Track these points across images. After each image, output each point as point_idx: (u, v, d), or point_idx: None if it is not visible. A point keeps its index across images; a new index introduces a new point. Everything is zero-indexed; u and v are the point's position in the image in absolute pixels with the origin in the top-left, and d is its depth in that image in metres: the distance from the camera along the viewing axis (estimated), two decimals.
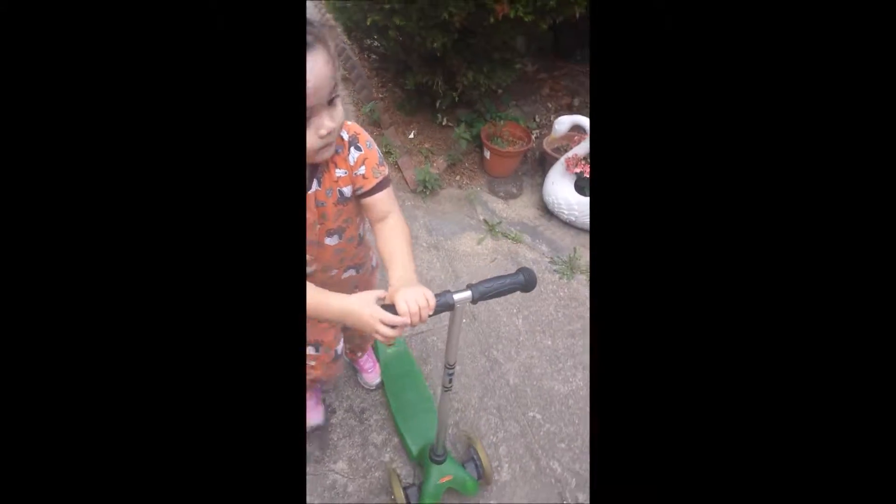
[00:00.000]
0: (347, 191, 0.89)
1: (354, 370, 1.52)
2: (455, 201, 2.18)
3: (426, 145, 2.34)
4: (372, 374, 1.49)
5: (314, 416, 1.37)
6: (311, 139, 0.75)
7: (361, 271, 1.09)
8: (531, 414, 1.48)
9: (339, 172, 0.87)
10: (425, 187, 2.13)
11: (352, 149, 0.87)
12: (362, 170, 0.88)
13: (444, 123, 2.42)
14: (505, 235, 2.03)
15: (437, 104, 2.32)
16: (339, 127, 0.77)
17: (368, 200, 0.90)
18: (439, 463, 1.17)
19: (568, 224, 2.08)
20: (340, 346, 1.20)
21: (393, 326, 0.77)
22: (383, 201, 0.90)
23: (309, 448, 1.34)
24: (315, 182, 0.86)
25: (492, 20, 1.74)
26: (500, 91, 2.39)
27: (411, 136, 2.39)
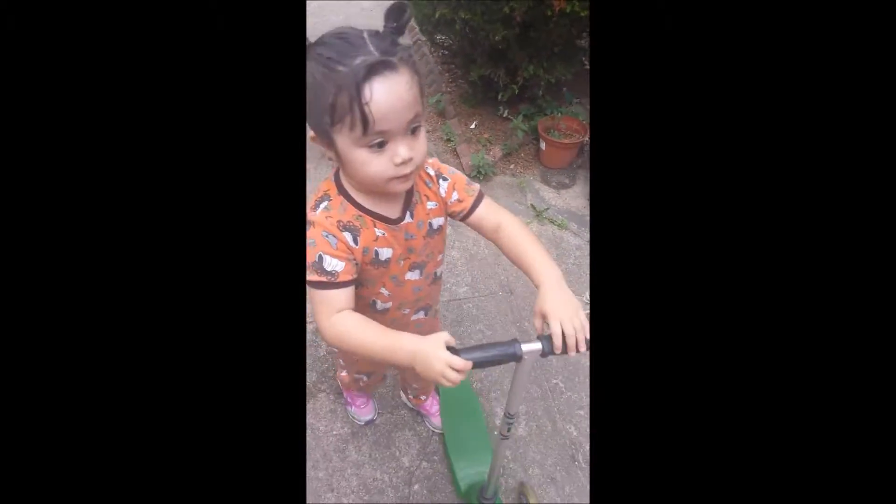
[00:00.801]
0: (437, 223, 0.88)
1: (420, 415, 1.47)
2: (507, 188, 2.29)
3: (485, 135, 2.47)
4: (438, 417, 1.44)
5: (366, 412, 1.45)
6: (384, 166, 0.70)
7: (429, 314, 1.04)
8: (554, 381, 1.55)
9: (431, 205, 0.86)
10: (479, 173, 2.26)
11: (440, 181, 0.87)
12: (455, 195, 0.86)
13: (504, 116, 2.54)
14: (551, 221, 2.11)
15: (499, 97, 2.45)
16: (420, 159, 0.72)
17: (474, 217, 0.87)
18: None
19: None
20: (388, 377, 1.24)
21: (459, 370, 0.69)
22: (488, 211, 0.88)
23: (361, 443, 1.40)
24: (408, 214, 0.83)
25: (549, 13, 1.84)
26: (560, 85, 2.46)
27: (473, 126, 2.53)
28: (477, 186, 0.89)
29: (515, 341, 0.73)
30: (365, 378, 1.26)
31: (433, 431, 1.44)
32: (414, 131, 0.71)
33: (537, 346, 0.73)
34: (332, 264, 0.75)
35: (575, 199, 2.25)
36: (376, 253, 0.82)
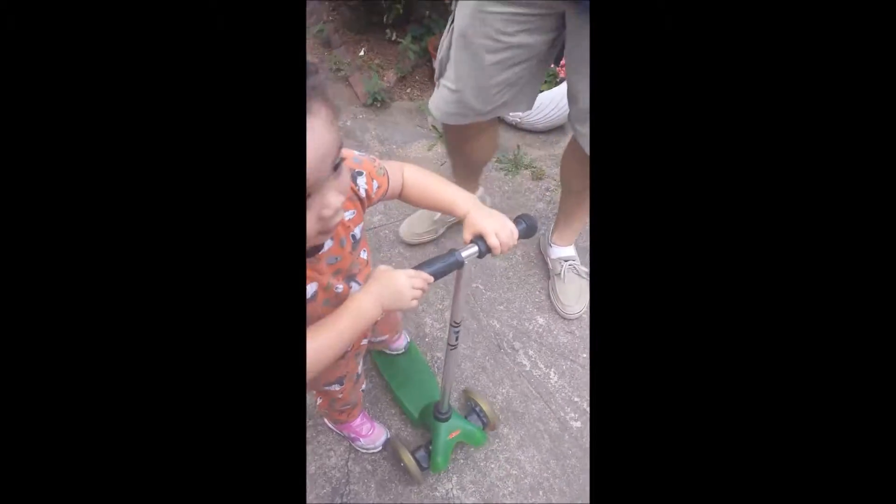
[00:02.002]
0: (358, 230, 0.77)
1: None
2: (406, 113, 2.27)
3: (376, 61, 2.40)
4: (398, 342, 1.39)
5: (376, 434, 1.28)
6: (311, 223, 0.58)
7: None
8: (474, 285, 1.65)
9: (349, 215, 0.74)
10: (375, 100, 2.22)
11: (357, 180, 0.75)
12: (375, 185, 0.78)
13: (393, 39, 2.46)
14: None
15: (385, 19, 2.36)
16: (345, 196, 0.62)
17: (390, 192, 0.83)
18: (445, 420, 1.16)
19: (512, 126, 2.19)
20: (360, 368, 1.11)
21: (424, 281, 0.72)
22: (395, 176, 0.82)
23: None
24: (328, 241, 0.71)
25: None
26: (445, 2, 2.42)
27: (361, 53, 2.44)
28: (374, 158, 0.81)
29: (454, 250, 0.78)
30: (337, 387, 1.05)
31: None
32: (336, 168, 0.59)
33: (474, 249, 0.79)
34: None
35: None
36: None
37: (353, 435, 1.28)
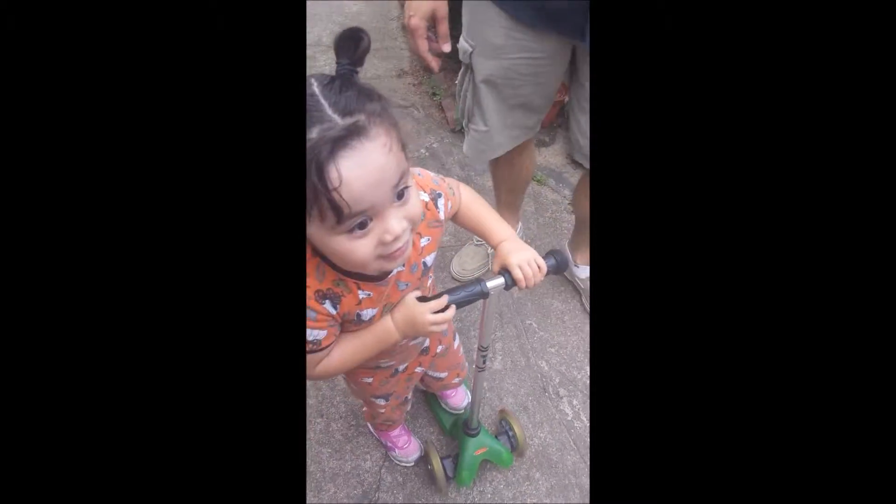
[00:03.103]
0: (430, 259, 0.78)
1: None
2: None
3: None
4: (457, 398, 1.37)
5: (411, 449, 1.31)
6: (370, 249, 0.58)
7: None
8: (528, 322, 1.67)
9: (424, 241, 0.75)
10: (463, 126, 2.31)
11: (437, 203, 0.75)
12: (450, 205, 0.79)
13: None
14: (532, 178, 2.19)
15: None
16: (415, 220, 0.61)
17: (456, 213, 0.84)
18: (474, 436, 1.20)
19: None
20: (410, 393, 1.14)
21: (444, 313, 0.74)
22: (457, 197, 0.83)
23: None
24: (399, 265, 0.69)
25: None
26: None
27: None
28: (443, 178, 0.81)
29: (480, 279, 0.80)
30: (383, 402, 1.07)
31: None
32: (401, 195, 0.58)
33: (500, 280, 0.81)
34: (314, 334, 0.67)
35: (554, 157, 2.33)
36: (358, 315, 0.71)
37: (389, 444, 1.31)
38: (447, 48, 1.08)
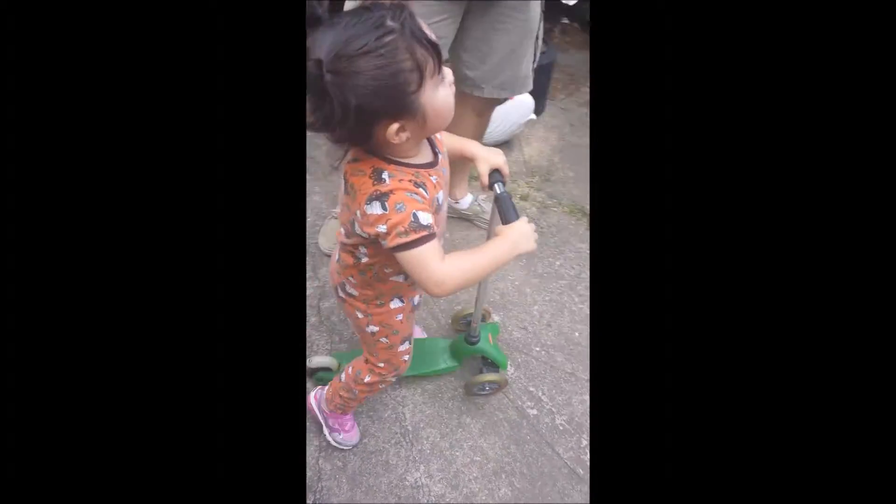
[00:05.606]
0: (441, 196, 0.87)
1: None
2: None
3: None
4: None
5: (356, 434, 1.35)
6: (450, 92, 0.75)
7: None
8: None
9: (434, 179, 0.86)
10: None
11: (440, 155, 0.88)
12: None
13: None
14: None
15: None
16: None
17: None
18: (475, 343, 1.35)
19: None
20: (417, 298, 1.15)
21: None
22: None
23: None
24: (438, 153, 0.87)
25: None
26: None
27: None
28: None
29: (502, 193, 0.97)
30: (407, 345, 1.12)
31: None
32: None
33: (501, 182, 1.01)
34: (426, 218, 0.77)
35: None
36: (437, 199, 0.84)
37: (336, 426, 1.31)
38: None
